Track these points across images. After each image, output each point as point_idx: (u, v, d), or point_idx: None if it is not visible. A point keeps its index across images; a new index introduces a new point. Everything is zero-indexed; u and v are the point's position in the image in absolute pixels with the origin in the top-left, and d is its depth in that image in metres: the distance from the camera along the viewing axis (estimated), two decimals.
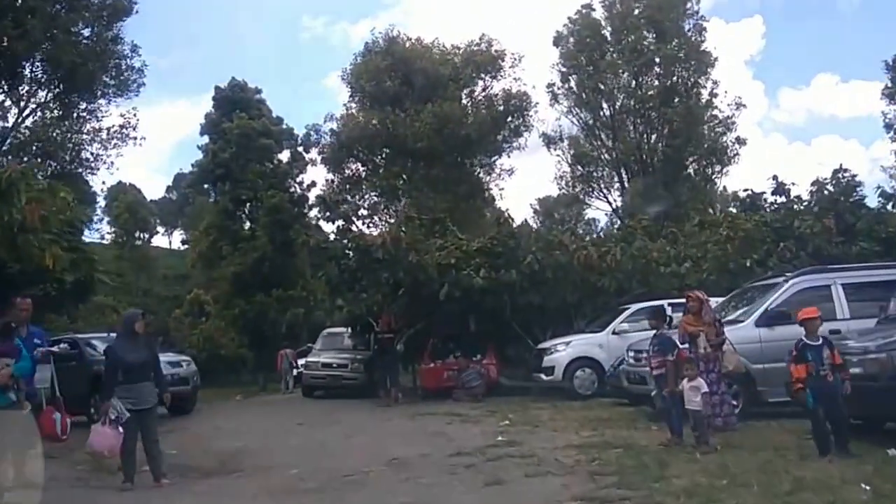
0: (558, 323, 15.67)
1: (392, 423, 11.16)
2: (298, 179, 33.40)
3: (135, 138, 25.51)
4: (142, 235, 61.65)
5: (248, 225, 32.25)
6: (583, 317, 15.66)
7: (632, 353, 10.01)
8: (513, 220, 14.89)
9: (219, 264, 31.22)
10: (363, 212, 28.37)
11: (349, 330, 18.16)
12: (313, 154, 29.77)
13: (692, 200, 25.10)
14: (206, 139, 32.04)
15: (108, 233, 60.56)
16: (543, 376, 13.65)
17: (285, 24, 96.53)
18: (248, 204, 31.32)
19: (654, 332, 7.88)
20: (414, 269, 13.83)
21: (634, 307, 13.91)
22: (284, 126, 33.49)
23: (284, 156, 33.62)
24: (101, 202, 60.61)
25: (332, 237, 13.96)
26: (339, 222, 13.27)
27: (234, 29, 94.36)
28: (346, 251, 13.66)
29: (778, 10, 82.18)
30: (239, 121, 30.75)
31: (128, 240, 59.62)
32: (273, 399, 21.00)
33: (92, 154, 24.51)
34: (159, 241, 60.31)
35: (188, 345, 38.18)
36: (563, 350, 13.60)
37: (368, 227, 27.22)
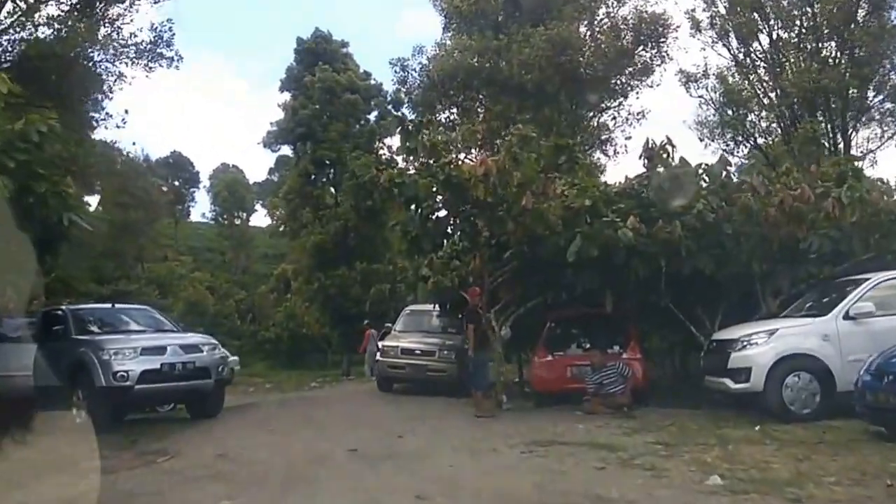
0: (734, 302, 10.65)
1: (496, 461, 6.67)
2: (388, 142, 29.74)
3: (171, 58, 20.58)
4: (241, 214, 61.44)
5: (332, 191, 29.04)
6: (774, 293, 10.53)
7: None
8: (673, 146, 9.76)
9: (300, 234, 28.24)
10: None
11: (437, 307, 13.98)
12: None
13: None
14: (287, 96, 28.93)
15: (209, 211, 61.19)
16: (730, 382, 8.76)
17: None
18: (330, 167, 27.98)
19: None
20: (529, 217, 9.35)
21: (879, 278, 8.78)
22: (373, 82, 29.82)
23: (373, 116, 30.00)
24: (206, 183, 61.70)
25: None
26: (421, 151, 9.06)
27: None
28: (432, 189, 9.41)
29: None
30: (322, 73, 27.38)
31: (227, 219, 59.62)
32: (347, 390, 17.32)
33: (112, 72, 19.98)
34: (261, 221, 59.51)
35: (272, 322, 36.09)
36: (763, 344, 8.62)
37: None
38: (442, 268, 12.21)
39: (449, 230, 10.18)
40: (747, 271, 10.21)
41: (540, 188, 9.63)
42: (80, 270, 40.43)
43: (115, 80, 20.33)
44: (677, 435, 7.36)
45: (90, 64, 19.99)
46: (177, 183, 66.78)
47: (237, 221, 60.13)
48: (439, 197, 9.73)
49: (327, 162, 27.55)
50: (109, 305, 11.08)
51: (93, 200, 51.08)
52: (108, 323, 10.41)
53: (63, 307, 11.04)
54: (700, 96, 23.34)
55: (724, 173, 10.50)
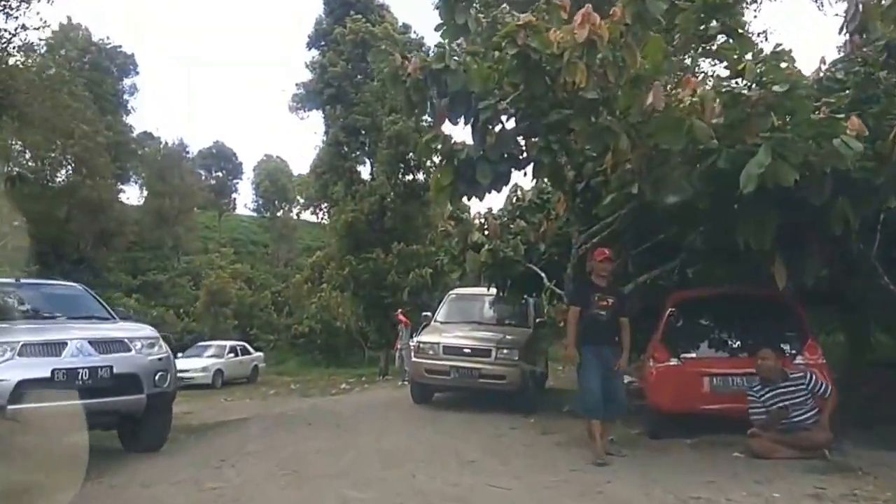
0: None
1: None
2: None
3: None
4: (283, 205, 59.17)
5: (366, 162, 25.45)
6: None
7: None
8: None
9: (331, 214, 24.76)
10: None
11: (492, 290, 10.13)
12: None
13: None
14: (314, 54, 25.34)
15: (251, 202, 59.33)
16: None
17: None
18: (364, 135, 24.35)
19: None
20: (658, 126, 5.35)
21: None
22: (413, 35, 25.98)
23: None
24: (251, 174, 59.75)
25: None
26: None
27: None
28: (494, 78, 5.46)
29: None
30: (354, 24, 23.73)
31: (270, 210, 57.48)
32: (376, 398, 13.63)
33: None
34: (305, 215, 57.24)
35: (306, 315, 33.16)
36: None
37: None
38: (501, 231, 8.35)
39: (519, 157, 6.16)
40: None
41: (672, 78, 5.60)
42: (113, 261, 39.21)
43: None
44: None
45: None
46: (220, 174, 65.67)
47: (279, 213, 58.05)
48: (504, 97, 5.75)
49: (359, 127, 23.90)
50: (12, 280, 7.56)
51: (130, 191, 50.04)
52: None
53: None
54: None
55: None
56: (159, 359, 6.49)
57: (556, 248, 7.94)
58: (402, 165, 23.46)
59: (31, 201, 30.72)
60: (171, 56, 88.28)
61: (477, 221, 9.62)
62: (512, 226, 8.57)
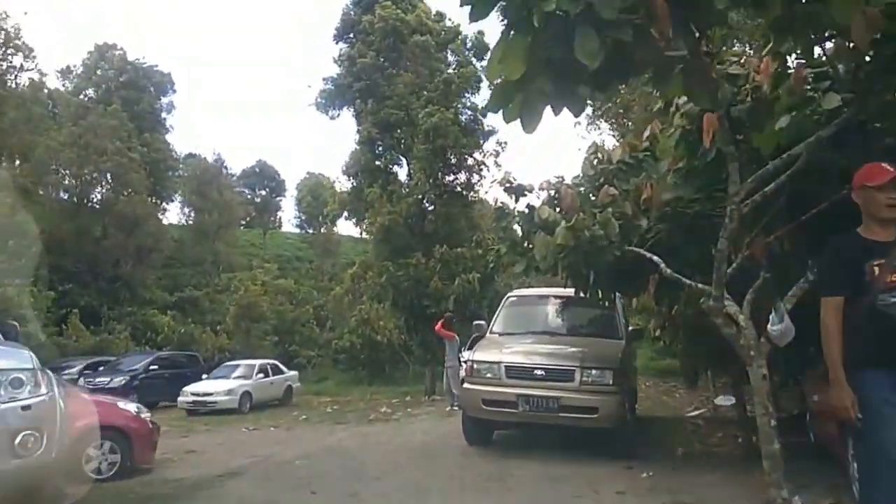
0: None
1: None
2: (467, 101, 23.60)
3: None
4: (326, 221, 58.48)
5: (403, 164, 23.28)
6: None
7: None
8: None
9: (365, 218, 22.68)
10: None
11: (564, 290, 7.68)
12: None
13: None
14: (343, 47, 23.35)
15: (294, 218, 58.91)
16: None
17: None
18: (399, 131, 22.19)
19: None
20: None
21: None
22: (449, 23, 23.79)
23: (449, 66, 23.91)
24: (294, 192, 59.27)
25: None
26: None
27: None
28: None
29: None
30: (384, 11, 21.68)
31: (313, 225, 56.79)
32: (419, 432, 11.23)
33: None
34: (349, 230, 56.57)
35: (347, 329, 31.17)
36: None
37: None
38: (581, 203, 5.89)
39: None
40: None
41: None
42: (153, 278, 38.41)
43: None
44: None
45: None
46: (263, 192, 65.87)
47: (322, 229, 57.41)
48: None
49: (392, 122, 21.74)
50: None
51: (171, 208, 49.71)
52: None
53: None
54: None
55: None
56: (24, 407, 4.00)
57: (665, 224, 5.41)
58: (441, 164, 21.20)
59: (66, 219, 30.03)
60: (210, 75, 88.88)
61: (544, 192, 7.14)
62: (593, 196, 6.07)
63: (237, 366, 20.14)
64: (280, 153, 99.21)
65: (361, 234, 32.71)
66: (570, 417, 6.90)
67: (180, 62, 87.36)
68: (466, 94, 23.45)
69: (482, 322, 9.00)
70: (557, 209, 6.33)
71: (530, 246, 6.44)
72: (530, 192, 7.22)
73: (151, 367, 19.64)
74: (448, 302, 19.09)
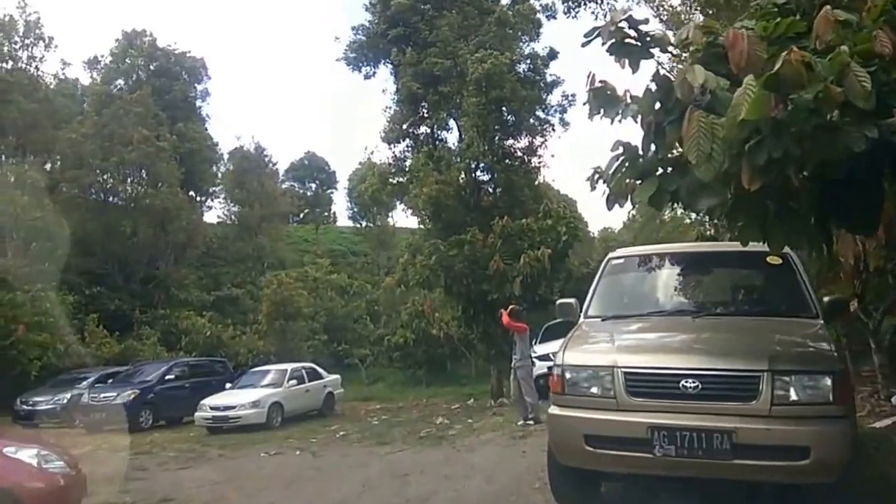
0: None
1: None
2: (525, 47, 19.73)
3: None
4: (379, 212, 56.25)
5: (453, 127, 19.66)
6: None
7: None
8: None
9: (409, 191, 19.19)
10: None
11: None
12: None
13: None
14: None
15: (346, 210, 56.85)
16: None
17: None
18: (445, 85, 18.57)
19: None
20: None
21: None
22: None
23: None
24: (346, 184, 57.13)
25: None
26: None
27: None
28: None
29: None
30: None
31: (366, 216, 54.68)
32: (475, 474, 7.56)
33: None
34: (404, 222, 54.10)
35: (400, 324, 28.19)
36: None
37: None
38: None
39: None
40: None
41: None
42: (192, 277, 36.46)
43: None
44: None
45: None
46: (313, 185, 64.20)
47: (377, 221, 55.10)
48: None
49: (437, 73, 18.13)
50: None
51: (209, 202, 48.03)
52: None
53: None
54: None
55: None
56: None
57: None
58: (496, 124, 17.47)
59: (92, 216, 28.04)
60: (247, 64, 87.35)
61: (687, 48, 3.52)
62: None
63: (266, 372, 17.09)
64: (329, 143, 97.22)
65: (406, 212, 29.38)
66: (755, 466, 3.75)
67: (216, 50, 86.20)
68: (524, 39, 19.64)
69: (570, 300, 5.21)
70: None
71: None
72: (663, 45, 3.65)
73: (168, 378, 16.81)
74: (512, 285, 15.37)
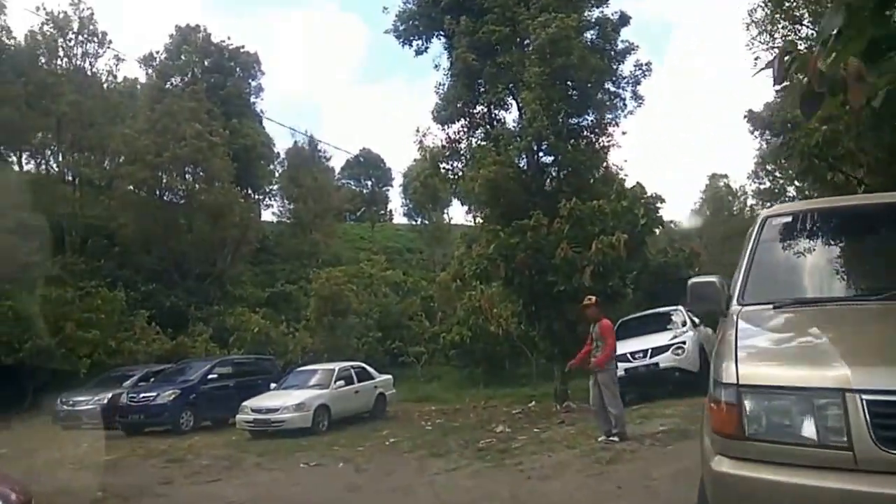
0: None
1: None
2: (593, 15, 17.75)
3: None
4: (434, 208, 55.33)
5: (512, 104, 17.90)
6: None
7: None
8: None
9: (464, 175, 17.54)
10: None
11: None
12: None
13: None
14: None
15: (401, 206, 56.15)
16: None
17: None
18: (504, 55, 16.85)
19: None
20: None
21: None
22: None
23: None
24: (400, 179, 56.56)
25: None
26: None
27: None
28: None
29: None
30: None
31: (422, 213, 53.96)
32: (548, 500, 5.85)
33: None
34: (461, 218, 52.95)
35: (456, 321, 26.81)
36: None
37: None
38: None
39: None
40: None
41: None
42: (249, 274, 36.19)
43: None
44: None
45: None
46: (369, 182, 64.01)
47: (433, 217, 54.13)
48: None
49: (497, 45, 16.42)
50: None
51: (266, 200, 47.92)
52: None
53: None
54: None
55: None
56: None
57: None
58: (561, 97, 15.64)
59: (147, 213, 27.78)
60: (301, 59, 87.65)
61: None
62: None
63: (313, 371, 15.84)
64: (385, 141, 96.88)
65: (462, 203, 27.59)
66: None
67: (268, 45, 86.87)
68: (591, 3, 17.71)
69: (712, 278, 3.41)
70: None
71: None
72: None
73: (211, 377, 15.80)
74: (582, 276, 13.53)
